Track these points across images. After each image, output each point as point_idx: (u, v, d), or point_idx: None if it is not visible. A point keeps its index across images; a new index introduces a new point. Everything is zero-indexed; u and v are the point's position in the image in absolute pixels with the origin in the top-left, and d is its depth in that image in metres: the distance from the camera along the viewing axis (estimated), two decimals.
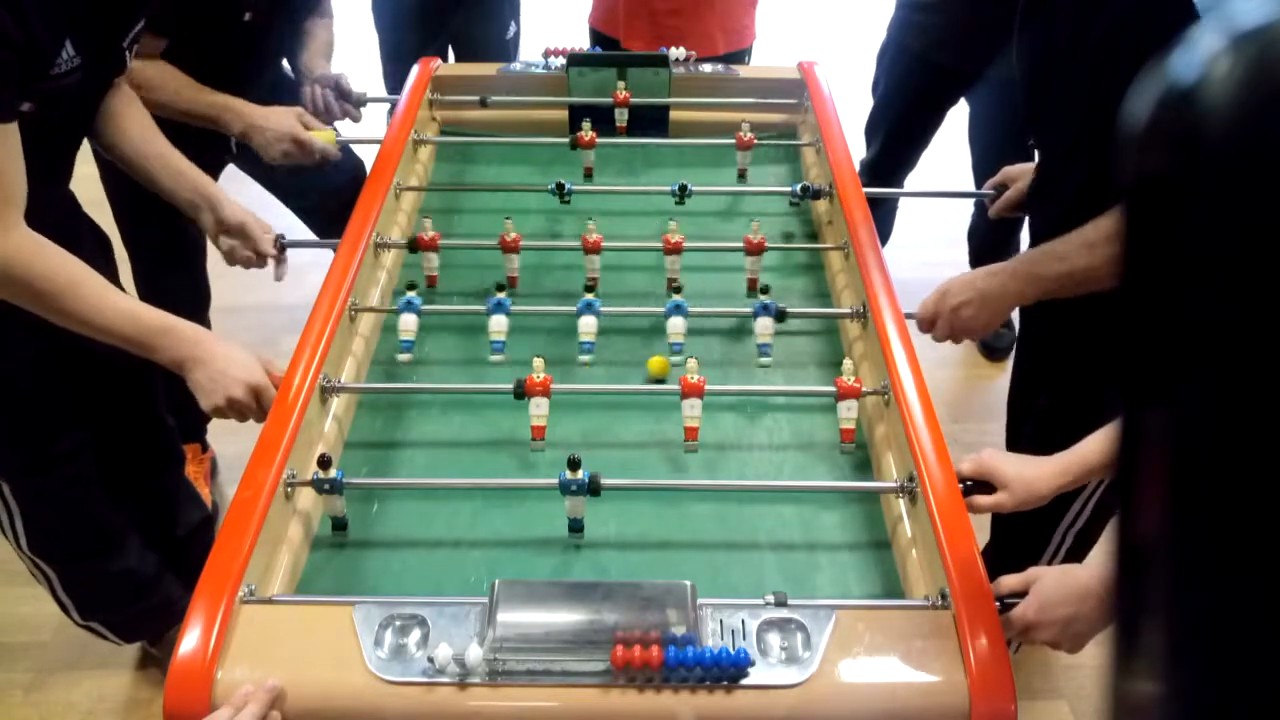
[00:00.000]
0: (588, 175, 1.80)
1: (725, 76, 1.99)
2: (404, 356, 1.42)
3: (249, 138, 1.75)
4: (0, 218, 1.19)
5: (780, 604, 1.01)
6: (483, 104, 1.93)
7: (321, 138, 1.79)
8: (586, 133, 1.78)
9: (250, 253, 1.60)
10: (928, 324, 1.46)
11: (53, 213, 1.25)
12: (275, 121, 1.75)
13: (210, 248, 2.09)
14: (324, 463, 1.16)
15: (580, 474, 1.15)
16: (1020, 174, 1.70)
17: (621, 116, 1.90)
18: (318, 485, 1.17)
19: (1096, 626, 1.02)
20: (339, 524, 1.21)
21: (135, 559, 1.72)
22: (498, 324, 1.42)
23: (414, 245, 1.57)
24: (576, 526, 1.19)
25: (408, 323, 1.43)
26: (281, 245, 1.61)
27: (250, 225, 1.58)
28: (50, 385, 1.51)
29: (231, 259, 1.63)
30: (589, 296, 1.44)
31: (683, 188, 1.66)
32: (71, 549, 1.64)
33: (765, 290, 1.45)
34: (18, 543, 1.58)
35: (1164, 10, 1.10)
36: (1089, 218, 1.29)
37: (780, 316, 1.43)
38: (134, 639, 1.86)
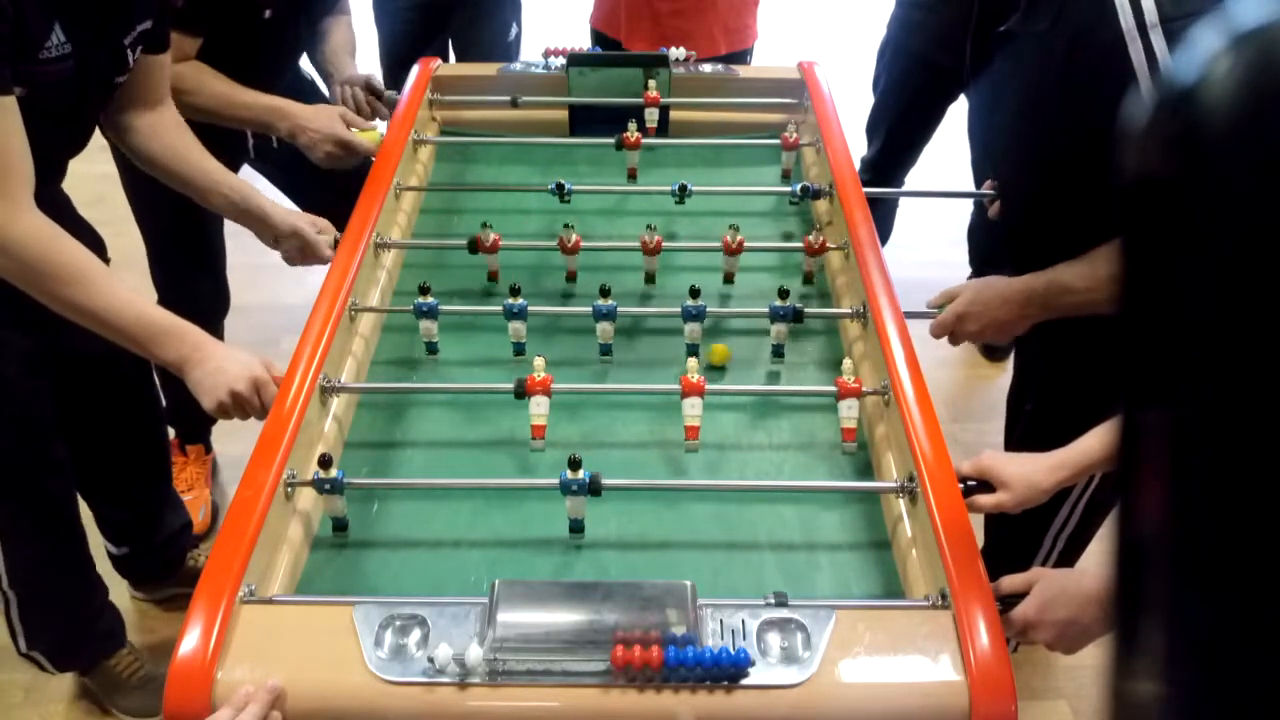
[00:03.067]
0: (631, 177, 1.80)
1: (725, 76, 1.99)
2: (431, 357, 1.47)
3: (295, 137, 1.76)
4: (10, 196, 1.18)
5: (780, 604, 1.01)
6: (514, 104, 1.92)
7: (366, 137, 1.79)
8: (632, 134, 1.77)
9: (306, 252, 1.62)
10: (939, 335, 1.50)
11: (45, 211, 1.25)
12: (321, 123, 1.75)
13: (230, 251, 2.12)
14: (325, 462, 1.16)
15: (581, 474, 1.15)
16: None
17: (651, 117, 1.89)
18: (318, 485, 1.17)
19: (1095, 632, 1.02)
20: (339, 524, 1.21)
21: (92, 585, 1.71)
22: (516, 328, 1.44)
23: (473, 247, 1.57)
24: (577, 527, 1.19)
25: (428, 328, 1.44)
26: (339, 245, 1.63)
27: (304, 230, 1.59)
28: (42, 389, 1.50)
29: (290, 260, 1.65)
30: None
31: (682, 187, 1.66)
32: (47, 565, 1.62)
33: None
34: None
35: (1104, 74, 1.14)
36: (1061, 239, 1.32)
37: (798, 317, 1.44)
38: (70, 668, 1.82)
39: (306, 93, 2.01)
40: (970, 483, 1.14)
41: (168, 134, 1.52)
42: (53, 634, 1.71)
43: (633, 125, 1.78)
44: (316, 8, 1.95)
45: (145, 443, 1.82)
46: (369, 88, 1.96)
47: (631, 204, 1.77)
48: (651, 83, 1.90)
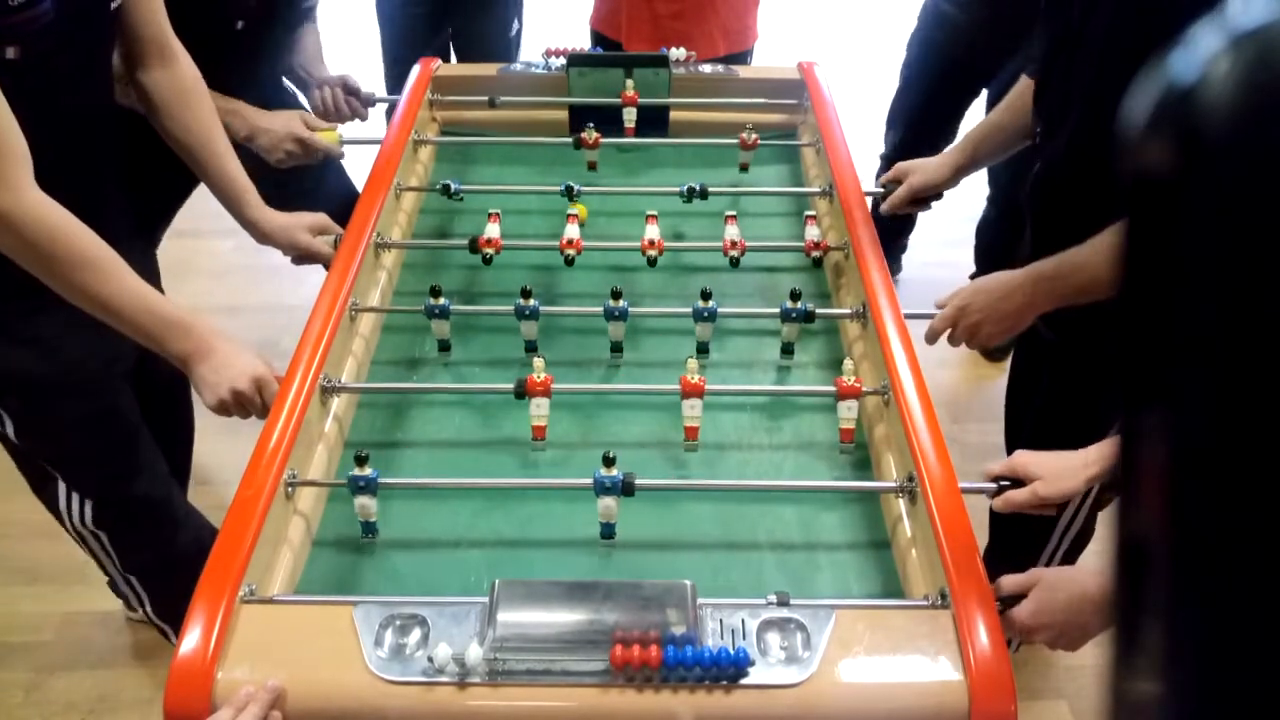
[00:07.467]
0: (591, 168, 1.80)
1: (725, 77, 1.99)
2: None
3: (253, 139, 1.75)
4: (5, 175, 1.15)
5: (783, 603, 1.01)
6: (491, 104, 1.92)
7: (325, 137, 1.79)
8: (590, 135, 1.78)
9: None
10: (937, 336, 1.45)
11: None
12: (279, 123, 1.76)
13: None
14: (361, 459, 1.15)
15: (614, 471, 1.14)
16: (911, 169, 1.72)
17: (630, 117, 1.89)
18: (352, 484, 1.15)
19: (1092, 631, 1.03)
20: (369, 529, 1.19)
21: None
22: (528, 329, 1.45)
23: (474, 246, 1.55)
24: (609, 532, 1.18)
25: (440, 327, 1.45)
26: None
27: (301, 244, 1.58)
28: (125, 390, 1.51)
29: (294, 262, 1.65)
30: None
31: (692, 190, 1.66)
32: (157, 561, 1.65)
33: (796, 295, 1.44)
34: (113, 562, 1.59)
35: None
36: (1091, 211, 1.29)
37: (809, 318, 1.44)
38: None
39: (288, 105, 2.01)
40: (1003, 482, 1.14)
41: (188, 108, 1.49)
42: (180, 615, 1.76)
43: (590, 128, 1.78)
44: (291, 17, 1.94)
45: (183, 445, 1.86)
46: (346, 87, 1.96)
47: (634, 204, 1.77)
48: (629, 82, 1.90)
